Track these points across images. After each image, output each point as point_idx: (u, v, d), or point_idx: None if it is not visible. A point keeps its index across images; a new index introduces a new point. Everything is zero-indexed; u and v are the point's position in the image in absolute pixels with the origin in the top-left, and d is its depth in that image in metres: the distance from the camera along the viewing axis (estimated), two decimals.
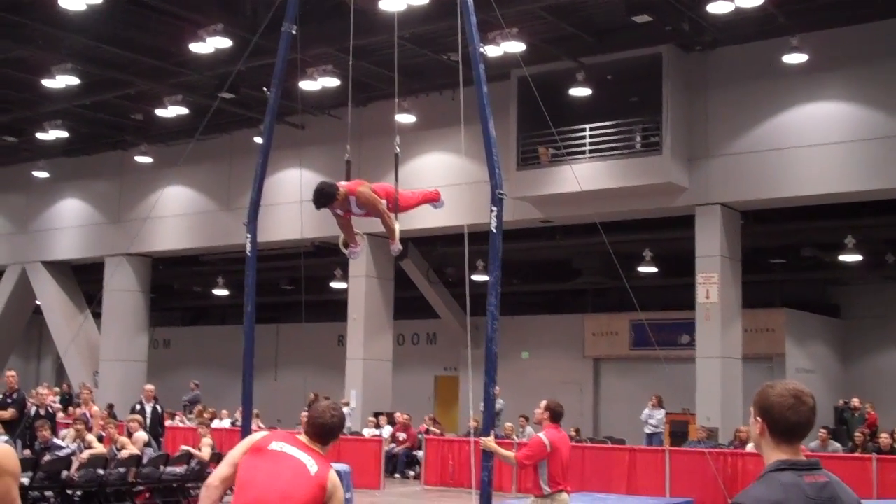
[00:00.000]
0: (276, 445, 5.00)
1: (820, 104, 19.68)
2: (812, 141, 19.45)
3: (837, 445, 19.24)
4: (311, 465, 4.94)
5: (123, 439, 16.05)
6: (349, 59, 11.09)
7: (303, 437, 5.12)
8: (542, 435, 9.51)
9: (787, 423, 3.29)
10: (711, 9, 17.91)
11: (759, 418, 3.34)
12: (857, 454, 18.58)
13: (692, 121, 20.70)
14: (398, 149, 9.87)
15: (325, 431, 5.12)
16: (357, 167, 23.22)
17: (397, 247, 9.52)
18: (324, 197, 9.16)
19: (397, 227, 9.39)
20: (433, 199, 10.10)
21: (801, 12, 19.00)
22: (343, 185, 9.26)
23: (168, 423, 22.49)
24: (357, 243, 9.74)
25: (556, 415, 9.61)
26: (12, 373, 17.52)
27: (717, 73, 20.71)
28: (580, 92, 20.93)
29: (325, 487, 4.92)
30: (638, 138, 21.02)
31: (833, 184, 19.39)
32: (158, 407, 18.78)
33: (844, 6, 18.88)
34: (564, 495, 9.43)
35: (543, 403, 9.71)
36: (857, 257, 24.89)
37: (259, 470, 4.92)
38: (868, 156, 18.96)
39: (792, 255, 27.51)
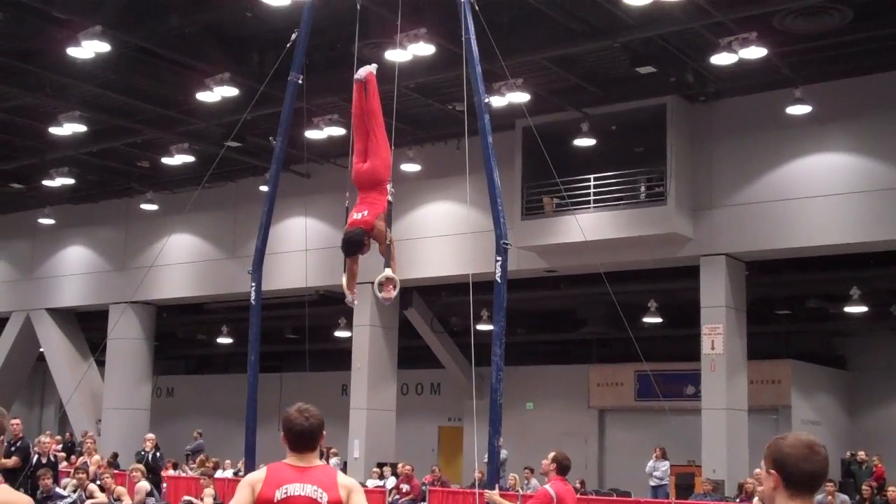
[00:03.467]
0: (280, 493, 4.89)
1: (824, 155, 19.71)
2: (816, 192, 19.46)
3: (845, 498, 19.06)
4: (321, 495, 4.89)
5: (121, 490, 15.93)
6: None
7: (292, 460, 5.01)
8: (548, 487, 9.44)
9: (801, 474, 3.26)
10: (715, 60, 17.99)
11: (772, 471, 3.30)
12: None
13: (696, 171, 20.73)
14: (391, 197, 9.76)
15: (305, 438, 5.00)
16: None
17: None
18: (354, 245, 9.14)
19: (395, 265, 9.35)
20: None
21: (804, 64, 19.10)
22: (360, 221, 9.18)
23: (170, 472, 22.38)
24: (354, 291, 9.67)
25: (563, 467, 9.55)
26: (17, 421, 17.42)
27: (721, 124, 20.77)
28: (584, 142, 21.00)
29: (340, 500, 4.92)
30: (642, 188, 21.04)
31: (838, 235, 19.37)
32: (159, 454, 18.78)
33: (848, 58, 18.97)
34: None
35: (551, 455, 9.65)
36: (863, 309, 24.79)
37: None
38: (873, 207, 18.95)
39: (797, 306, 27.42)
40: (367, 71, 9.59)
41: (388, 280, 9.23)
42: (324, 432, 5.12)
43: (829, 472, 3.30)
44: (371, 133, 9.47)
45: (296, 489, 4.89)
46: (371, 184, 9.32)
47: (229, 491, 19.34)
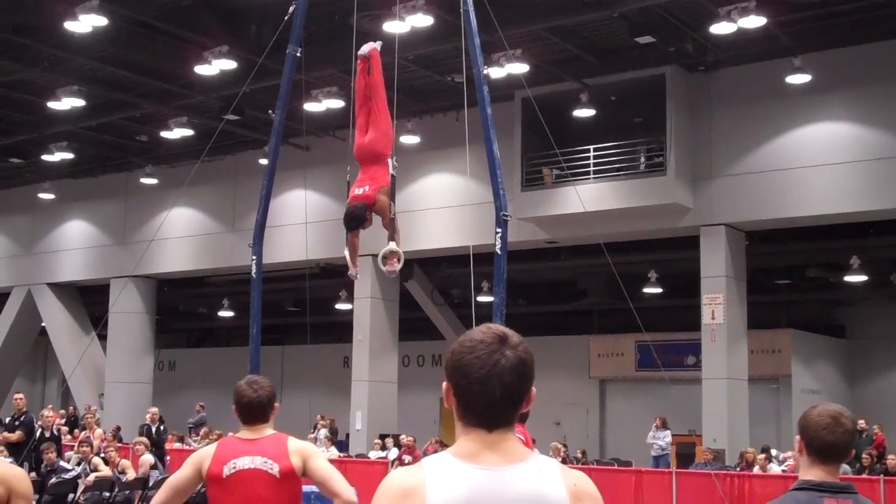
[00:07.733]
0: (228, 469, 4.82)
1: (823, 124, 19.69)
2: (816, 161, 19.45)
3: (846, 467, 19.14)
4: (271, 466, 4.83)
5: (125, 462, 16.02)
6: (352, 81, 11.15)
7: (244, 433, 4.98)
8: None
9: (821, 441, 3.40)
10: (714, 29, 17.95)
11: (798, 436, 3.48)
12: (864, 476, 18.50)
13: (696, 141, 20.71)
14: (394, 171, 9.78)
15: (254, 409, 4.95)
16: None
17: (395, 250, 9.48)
18: (355, 220, 9.16)
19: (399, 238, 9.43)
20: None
21: (803, 33, 19.04)
22: (362, 196, 9.21)
23: (174, 445, 22.47)
24: (357, 265, 9.71)
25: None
26: (20, 395, 17.50)
27: (720, 94, 20.74)
28: (584, 113, 20.97)
29: (293, 467, 4.83)
30: (642, 159, 21.04)
31: (837, 204, 19.37)
32: (162, 427, 18.89)
33: (847, 26, 18.91)
34: None
35: None
36: (863, 277, 24.85)
37: None
38: (872, 176, 18.95)
39: (797, 275, 27.47)
40: (370, 47, 9.73)
41: (393, 253, 9.27)
42: (276, 403, 5.05)
43: (853, 445, 3.41)
44: (373, 106, 9.46)
45: (245, 462, 4.83)
46: (372, 157, 9.32)
47: None
